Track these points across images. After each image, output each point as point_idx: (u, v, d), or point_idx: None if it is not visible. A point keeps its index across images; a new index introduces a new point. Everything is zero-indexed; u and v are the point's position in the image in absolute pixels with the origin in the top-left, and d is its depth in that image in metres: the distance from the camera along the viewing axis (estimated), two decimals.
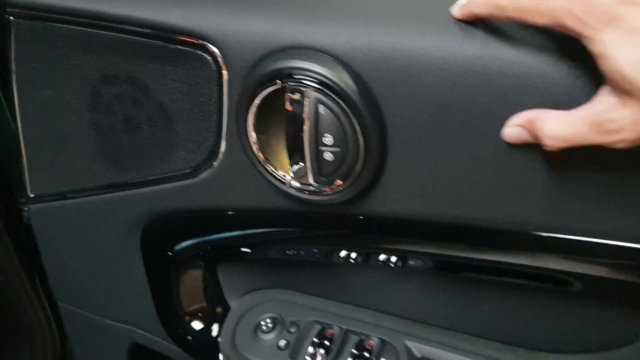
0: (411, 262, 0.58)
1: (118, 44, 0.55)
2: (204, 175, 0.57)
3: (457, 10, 0.42)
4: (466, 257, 0.53)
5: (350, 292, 0.66)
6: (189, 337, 0.70)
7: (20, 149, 0.86)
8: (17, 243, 0.88)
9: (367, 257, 0.60)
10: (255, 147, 0.50)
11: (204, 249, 0.66)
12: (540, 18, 0.36)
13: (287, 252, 0.64)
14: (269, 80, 0.46)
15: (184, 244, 0.66)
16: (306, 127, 0.46)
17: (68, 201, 0.69)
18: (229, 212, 0.60)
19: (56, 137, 0.65)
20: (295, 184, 0.50)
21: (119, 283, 0.71)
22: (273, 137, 0.50)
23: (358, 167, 0.47)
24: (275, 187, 0.52)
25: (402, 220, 0.52)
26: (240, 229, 0.62)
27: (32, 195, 0.71)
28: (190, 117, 0.56)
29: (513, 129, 0.41)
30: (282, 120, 0.48)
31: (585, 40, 0.35)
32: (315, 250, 0.63)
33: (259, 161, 0.51)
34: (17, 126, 0.84)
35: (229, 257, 0.68)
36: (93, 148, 0.63)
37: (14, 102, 0.81)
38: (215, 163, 0.56)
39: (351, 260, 0.61)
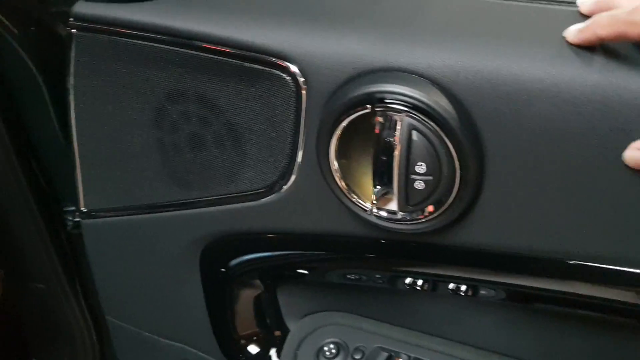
0: (484, 292, 0.55)
1: (189, 60, 0.53)
2: (274, 197, 0.55)
3: (574, 35, 0.38)
4: (552, 290, 0.50)
5: (416, 318, 0.64)
6: (245, 358, 0.68)
7: (68, 161, 0.85)
8: (61, 252, 0.87)
9: (435, 285, 0.58)
10: (336, 173, 0.48)
11: (263, 268, 0.63)
12: None
13: (349, 276, 0.62)
14: (358, 104, 0.44)
15: (242, 259, 0.63)
16: (397, 154, 0.44)
17: (123, 217, 0.67)
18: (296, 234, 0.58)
19: (114, 153, 0.63)
20: (379, 212, 0.47)
21: (174, 301, 0.69)
22: (356, 162, 0.47)
23: (451, 198, 0.44)
24: (353, 213, 0.50)
25: (486, 251, 0.49)
26: (304, 251, 0.60)
27: (84, 210, 0.69)
28: (261, 138, 0.53)
29: (636, 152, 0.39)
30: (367, 146, 0.46)
31: None
32: (378, 276, 0.61)
33: (339, 187, 0.48)
34: (67, 139, 0.83)
35: (288, 278, 0.65)
36: (154, 165, 0.61)
37: (66, 116, 0.80)
38: (286, 185, 0.54)
39: (417, 287, 0.59)
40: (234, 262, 0.64)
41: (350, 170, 0.48)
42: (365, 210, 0.48)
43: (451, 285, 0.56)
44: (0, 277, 1.09)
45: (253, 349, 0.69)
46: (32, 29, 0.78)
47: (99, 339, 0.95)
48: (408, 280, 0.58)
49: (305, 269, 0.63)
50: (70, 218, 0.90)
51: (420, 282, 0.58)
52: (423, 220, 0.46)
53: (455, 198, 0.44)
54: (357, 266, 0.60)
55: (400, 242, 0.52)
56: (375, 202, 0.47)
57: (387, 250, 0.54)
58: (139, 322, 0.75)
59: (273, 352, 0.69)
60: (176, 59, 0.54)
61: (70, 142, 0.68)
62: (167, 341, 0.74)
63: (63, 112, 0.83)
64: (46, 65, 0.79)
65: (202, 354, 0.72)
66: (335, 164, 0.47)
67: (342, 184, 0.48)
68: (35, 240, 0.86)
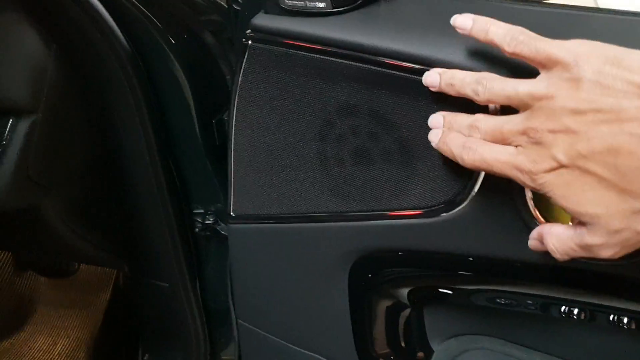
0: None
1: (368, 76, 0.54)
2: (444, 217, 0.54)
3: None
4: None
5: (570, 349, 0.61)
6: None
7: (201, 165, 0.88)
8: (188, 253, 0.90)
9: (593, 315, 0.55)
10: (529, 197, 0.46)
11: (414, 285, 0.63)
12: None
13: (499, 300, 0.60)
14: None
15: (394, 275, 0.63)
16: None
17: (273, 225, 0.68)
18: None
19: (271, 162, 0.64)
20: None
21: (315, 312, 0.70)
22: None
23: None
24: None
25: None
26: (465, 272, 0.59)
27: (234, 215, 0.71)
28: (437, 156, 0.53)
29: (533, 242, 0.46)
30: None
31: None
32: (530, 302, 0.59)
33: (532, 211, 0.47)
34: (206, 140, 0.85)
35: (436, 298, 0.64)
36: (312, 176, 0.62)
37: (206, 122, 0.83)
38: (460, 206, 0.53)
39: (573, 316, 0.56)
40: (385, 277, 0.63)
41: (543, 196, 0.46)
42: None
43: (612, 317, 0.54)
44: (124, 272, 1.13)
45: None
46: (184, 36, 0.81)
47: (211, 340, 0.97)
48: (563, 308, 0.56)
49: (458, 291, 0.62)
50: (199, 220, 0.93)
51: (576, 310, 0.56)
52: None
53: None
54: (518, 291, 0.58)
55: (588, 271, 0.50)
56: None
57: (568, 278, 0.53)
58: (273, 329, 0.76)
59: None
60: (356, 74, 0.54)
61: (224, 148, 0.70)
62: (301, 350, 0.74)
63: (203, 118, 0.86)
64: (192, 71, 0.82)
65: None
66: (529, 191, 0.46)
67: (536, 212, 0.47)
68: (166, 240, 0.89)
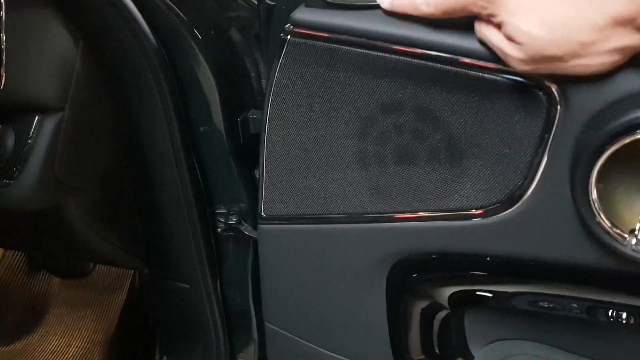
0: None
1: (415, 70, 0.52)
2: (495, 218, 0.52)
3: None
4: None
5: (617, 355, 0.59)
6: None
7: (225, 164, 0.86)
8: (209, 254, 0.88)
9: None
10: (594, 201, 0.44)
11: (455, 289, 0.61)
12: None
13: (541, 303, 0.58)
14: (627, 130, 0.40)
15: (435, 278, 0.61)
16: None
17: (306, 226, 0.66)
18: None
19: (306, 161, 0.62)
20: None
21: (350, 316, 0.68)
22: (616, 188, 0.44)
23: None
24: (604, 245, 0.46)
25: None
26: (513, 277, 0.57)
27: (264, 215, 0.69)
28: (488, 155, 0.51)
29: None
30: (633, 173, 0.42)
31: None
32: (575, 305, 0.57)
33: (596, 216, 0.45)
34: (231, 139, 0.83)
35: (477, 302, 0.62)
36: (350, 175, 0.60)
37: (231, 121, 0.81)
38: (512, 207, 0.51)
39: (621, 321, 0.54)
40: (425, 280, 0.61)
41: (608, 197, 0.44)
42: (622, 242, 0.45)
43: None
44: (142, 273, 1.12)
45: None
46: (211, 32, 0.79)
47: (231, 343, 0.95)
48: (611, 312, 0.54)
49: (501, 294, 0.60)
50: (222, 220, 0.91)
51: (624, 314, 0.54)
52: None
53: None
54: (563, 292, 0.56)
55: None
56: (637, 233, 0.43)
57: (619, 281, 0.51)
58: (303, 332, 0.74)
59: None
60: (402, 69, 0.52)
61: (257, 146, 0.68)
62: (333, 355, 0.72)
63: (228, 116, 0.84)
64: (218, 69, 0.80)
65: None
66: (594, 193, 0.44)
67: (599, 210, 0.45)
68: (188, 240, 0.87)
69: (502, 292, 0.60)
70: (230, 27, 0.84)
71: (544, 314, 0.60)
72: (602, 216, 0.45)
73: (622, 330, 0.57)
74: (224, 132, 0.83)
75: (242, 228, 0.91)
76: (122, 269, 1.22)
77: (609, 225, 0.45)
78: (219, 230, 0.92)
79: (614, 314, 0.54)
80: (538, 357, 0.61)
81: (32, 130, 0.65)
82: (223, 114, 0.82)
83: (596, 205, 0.45)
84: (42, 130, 0.65)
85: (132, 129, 0.80)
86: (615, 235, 0.45)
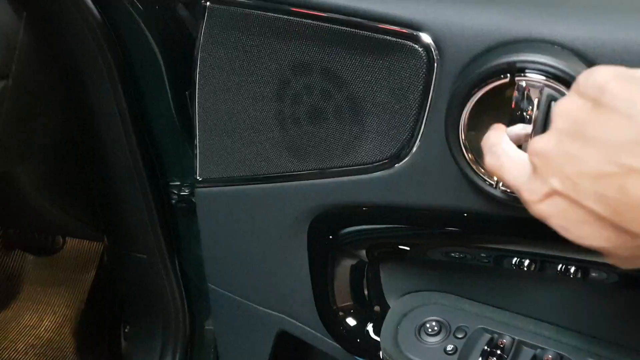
0: (595, 274, 0.54)
1: (319, 33, 0.55)
2: (391, 170, 0.56)
3: None
4: None
5: (522, 302, 0.63)
6: (345, 331, 0.70)
7: (176, 137, 0.89)
8: (165, 225, 0.91)
9: (543, 265, 0.57)
10: (464, 145, 0.48)
11: (369, 241, 0.65)
12: None
13: (453, 254, 0.62)
14: (496, 73, 0.44)
15: (351, 230, 0.65)
16: (533, 126, 0.44)
17: (237, 187, 0.70)
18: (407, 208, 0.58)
19: (233, 124, 0.66)
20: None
21: (278, 271, 0.72)
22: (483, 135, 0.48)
23: None
24: (477, 187, 0.50)
25: None
26: (416, 226, 0.61)
27: (200, 179, 0.72)
28: (384, 111, 0.55)
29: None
30: (498, 118, 0.46)
31: None
32: (483, 255, 0.61)
33: (466, 159, 0.49)
34: (180, 115, 0.87)
35: (392, 254, 0.66)
36: (271, 137, 0.64)
37: (180, 94, 0.84)
38: (405, 159, 0.55)
39: (524, 268, 0.58)
40: (342, 233, 0.65)
41: (479, 143, 0.48)
42: (492, 185, 0.49)
43: (560, 267, 0.55)
44: (105, 245, 1.15)
45: (351, 321, 0.70)
46: (155, 7, 0.82)
47: (190, 311, 0.98)
48: (514, 260, 0.58)
49: (412, 245, 0.64)
50: (175, 192, 0.94)
51: (526, 262, 0.57)
52: None
53: None
54: (465, 243, 0.60)
55: (520, 219, 0.52)
56: None
57: (503, 227, 0.55)
58: (241, 291, 0.78)
59: (370, 327, 0.70)
60: (307, 32, 0.56)
61: (189, 113, 0.72)
62: (267, 310, 0.76)
63: (177, 90, 0.87)
64: (165, 43, 0.83)
65: (301, 325, 0.74)
66: (463, 136, 0.48)
67: (469, 156, 0.49)
68: (142, 212, 0.90)
69: (413, 244, 0.64)
70: (177, 3, 0.87)
71: (455, 267, 0.64)
72: (473, 161, 0.48)
73: (522, 277, 0.61)
74: (172, 105, 0.86)
75: (194, 199, 0.95)
76: (91, 249, 1.25)
77: (481, 171, 0.49)
78: (173, 202, 0.95)
79: (516, 261, 0.58)
80: (447, 306, 0.65)
81: None
82: (171, 87, 0.85)
83: (468, 151, 0.48)
84: None
85: (80, 101, 0.83)
86: (487, 179, 0.49)
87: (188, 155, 0.89)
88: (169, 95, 0.85)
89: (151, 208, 0.90)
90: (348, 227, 0.64)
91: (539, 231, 0.53)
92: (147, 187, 0.88)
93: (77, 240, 1.25)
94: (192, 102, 0.84)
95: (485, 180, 0.49)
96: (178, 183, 0.93)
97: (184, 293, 0.98)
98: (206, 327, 1.00)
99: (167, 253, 0.93)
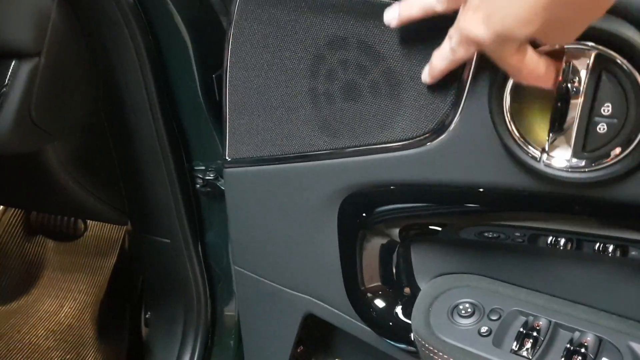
0: (635, 253, 0.53)
1: (355, 5, 0.55)
2: (429, 147, 0.55)
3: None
4: None
5: (557, 284, 0.62)
6: (374, 313, 0.69)
7: (203, 122, 0.89)
8: (189, 209, 0.91)
9: (580, 244, 0.56)
10: (508, 118, 0.47)
11: (403, 220, 0.64)
12: None
13: (486, 234, 0.61)
14: None
15: (383, 209, 0.64)
16: (582, 96, 0.43)
17: (266, 167, 0.69)
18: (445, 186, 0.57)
19: (264, 103, 0.66)
20: (552, 160, 0.47)
21: (306, 252, 0.71)
22: (529, 106, 0.47)
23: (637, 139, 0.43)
24: (520, 162, 0.49)
25: None
26: (453, 204, 0.60)
27: (229, 159, 0.72)
28: (422, 85, 0.54)
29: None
30: (543, 90, 0.45)
31: None
32: (517, 234, 0.59)
33: (510, 132, 0.48)
34: (206, 96, 0.86)
35: (425, 234, 0.65)
36: (304, 114, 0.63)
37: (207, 77, 0.84)
38: (444, 135, 0.54)
39: (559, 247, 0.57)
40: (374, 212, 0.64)
41: (523, 115, 0.47)
42: (535, 158, 0.48)
43: (597, 245, 0.54)
44: (127, 230, 1.16)
45: (379, 303, 0.69)
46: None
47: (212, 294, 0.98)
48: (550, 239, 0.57)
49: (445, 224, 0.63)
50: (200, 176, 0.94)
51: (562, 241, 0.56)
52: (601, 166, 0.45)
53: None
54: (500, 220, 0.59)
55: (560, 195, 0.51)
56: (547, 149, 0.46)
57: (541, 204, 0.53)
58: (267, 273, 0.78)
59: (399, 309, 0.69)
60: (343, 5, 0.56)
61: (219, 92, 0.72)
62: (294, 292, 0.76)
63: (204, 73, 0.87)
64: (193, 26, 0.83)
65: (329, 306, 0.73)
66: (507, 107, 0.47)
67: (513, 128, 0.48)
68: (167, 195, 0.90)
69: (447, 225, 0.63)
70: None
71: (488, 248, 0.63)
72: (517, 134, 0.47)
73: (557, 258, 0.60)
74: (199, 89, 0.86)
75: (219, 184, 0.95)
76: (112, 235, 1.25)
77: (523, 142, 0.48)
78: (198, 186, 0.95)
79: (552, 240, 0.57)
80: (480, 288, 0.64)
81: (8, 75, 0.69)
82: (198, 70, 0.85)
83: (510, 123, 0.47)
84: (18, 74, 0.69)
85: (109, 81, 0.83)
86: (531, 153, 0.48)
87: (213, 139, 0.89)
88: (197, 79, 0.85)
89: (176, 192, 0.90)
90: (381, 205, 0.63)
91: (579, 208, 0.52)
92: (173, 170, 0.88)
93: (98, 226, 1.25)
94: (220, 82, 0.84)
95: (528, 154, 0.48)
96: (203, 167, 0.92)
97: (206, 278, 0.97)
98: (226, 313, 1.00)
99: (190, 238, 0.93)
